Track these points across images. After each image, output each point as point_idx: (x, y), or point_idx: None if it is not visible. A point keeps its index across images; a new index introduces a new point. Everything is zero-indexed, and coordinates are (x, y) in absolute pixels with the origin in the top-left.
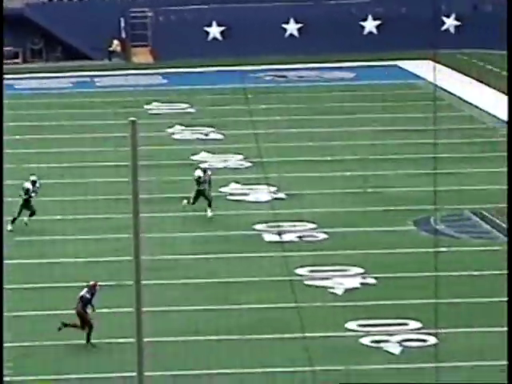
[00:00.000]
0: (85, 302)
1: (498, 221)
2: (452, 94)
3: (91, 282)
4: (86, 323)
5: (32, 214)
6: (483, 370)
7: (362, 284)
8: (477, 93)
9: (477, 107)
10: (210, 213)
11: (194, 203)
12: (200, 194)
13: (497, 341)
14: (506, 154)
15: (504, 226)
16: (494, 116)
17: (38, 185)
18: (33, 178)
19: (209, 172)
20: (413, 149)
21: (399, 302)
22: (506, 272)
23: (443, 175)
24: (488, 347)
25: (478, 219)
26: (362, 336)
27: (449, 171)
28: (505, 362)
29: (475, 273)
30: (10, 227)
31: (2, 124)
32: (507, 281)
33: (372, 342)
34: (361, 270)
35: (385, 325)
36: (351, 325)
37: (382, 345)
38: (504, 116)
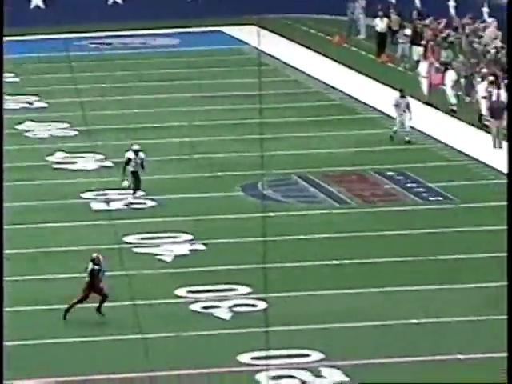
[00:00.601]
0: (95, 274)
1: (323, 184)
2: (277, 58)
3: (94, 255)
4: (100, 294)
5: None
6: (312, 334)
7: (191, 250)
8: (301, 57)
9: (301, 72)
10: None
11: (133, 187)
12: (133, 175)
13: (325, 304)
14: (332, 117)
15: (330, 189)
16: (318, 80)
17: None
18: None
19: (142, 154)
20: (239, 114)
21: (228, 267)
22: (332, 235)
23: (270, 140)
24: (316, 311)
25: (304, 183)
26: (192, 302)
27: (275, 136)
28: (335, 325)
29: (303, 236)
30: None
31: (2, 118)
32: (507, 273)
33: (202, 308)
34: (190, 237)
35: (214, 290)
36: (181, 291)
37: (212, 310)
38: (328, 80)
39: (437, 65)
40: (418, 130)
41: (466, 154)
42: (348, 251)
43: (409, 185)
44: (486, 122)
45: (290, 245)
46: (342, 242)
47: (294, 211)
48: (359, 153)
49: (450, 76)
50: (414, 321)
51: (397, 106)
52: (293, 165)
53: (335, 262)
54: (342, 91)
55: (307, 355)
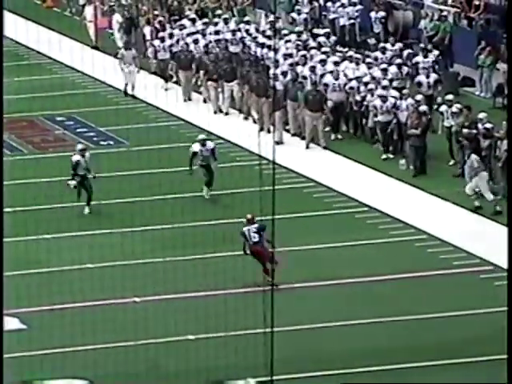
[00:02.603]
0: (261, 232)
1: None
2: None
3: (248, 216)
4: (266, 259)
5: None
6: None
7: None
8: None
9: None
10: None
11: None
12: (205, 169)
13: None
14: None
15: None
16: None
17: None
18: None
19: (210, 144)
20: None
21: None
22: (8, 182)
23: None
24: None
25: None
26: None
27: None
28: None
29: None
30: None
31: (2, 122)
32: (507, 284)
33: None
34: None
35: None
36: None
37: None
38: None
39: (104, 8)
40: (87, 75)
41: (134, 97)
42: (19, 199)
43: (79, 130)
44: (171, 73)
45: None
46: (15, 189)
47: None
48: (28, 99)
49: (116, 18)
50: (90, 265)
51: (121, 58)
52: None
53: (9, 209)
54: (9, 37)
55: None
